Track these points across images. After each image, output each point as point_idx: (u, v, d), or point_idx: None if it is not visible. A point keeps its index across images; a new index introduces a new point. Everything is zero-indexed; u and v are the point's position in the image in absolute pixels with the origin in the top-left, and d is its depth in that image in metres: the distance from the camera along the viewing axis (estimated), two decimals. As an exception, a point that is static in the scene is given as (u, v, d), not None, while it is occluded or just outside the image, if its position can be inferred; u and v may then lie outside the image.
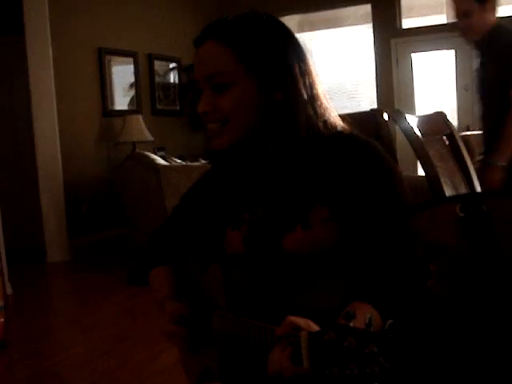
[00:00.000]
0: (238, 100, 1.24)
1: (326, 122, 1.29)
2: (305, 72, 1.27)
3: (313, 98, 1.28)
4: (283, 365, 0.96)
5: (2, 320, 3.71)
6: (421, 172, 2.19)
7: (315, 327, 0.97)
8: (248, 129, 1.26)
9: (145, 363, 3.31)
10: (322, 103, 1.29)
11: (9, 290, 4.64)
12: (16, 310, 4.43)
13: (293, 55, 1.27)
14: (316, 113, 1.28)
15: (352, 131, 1.30)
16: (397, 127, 2.19)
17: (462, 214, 0.80)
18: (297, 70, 1.26)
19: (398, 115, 2.13)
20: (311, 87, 1.28)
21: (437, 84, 8.15)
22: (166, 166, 5.37)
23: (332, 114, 1.31)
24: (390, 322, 0.80)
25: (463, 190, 2.26)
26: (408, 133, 2.09)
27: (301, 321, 0.99)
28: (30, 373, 3.31)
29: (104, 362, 3.36)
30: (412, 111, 7.57)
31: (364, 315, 0.88)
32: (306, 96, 1.26)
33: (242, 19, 1.28)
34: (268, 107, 1.25)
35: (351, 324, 0.85)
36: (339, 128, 1.30)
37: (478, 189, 2.40)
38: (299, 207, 1.25)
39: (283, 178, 1.29)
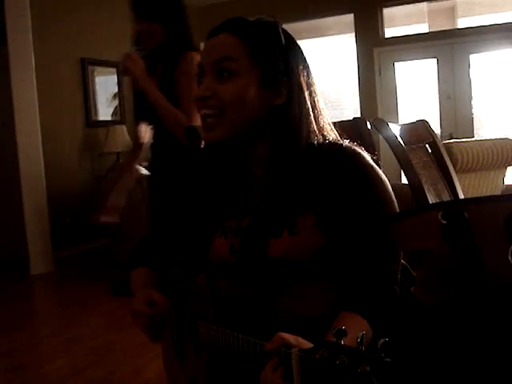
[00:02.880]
0: (240, 91, 1.23)
1: (323, 133, 1.30)
2: (309, 83, 1.29)
3: (315, 109, 1.29)
4: (274, 382, 0.96)
5: (-14, 333, 3.67)
6: (404, 180, 2.20)
7: (305, 344, 0.97)
8: (243, 126, 1.26)
9: (131, 375, 3.29)
10: (321, 115, 1.31)
11: (-8, 303, 4.60)
12: (-1, 323, 4.39)
13: (300, 64, 1.29)
14: (316, 123, 1.29)
15: (342, 140, 1.31)
16: (380, 136, 2.20)
17: (444, 221, 0.80)
18: (303, 79, 1.28)
19: (380, 124, 2.14)
20: (314, 98, 1.29)
21: (419, 92, 8.20)
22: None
23: (325, 125, 1.32)
24: (382, 341, 0.80)
25: (446, 197, 2.28)
26: (391, 141, 2.11)
27: (291, 337, 0.99)
28: (14, 386, 3.28)
29: (89, 375, 3.33)
30: (395, 120, 7.61)
31: (355, 332, 0.87)
32: (309, 106, 1.28)
33: (257, 20, 1.30)
34: (268, 110, 1.26)
35: (342, 342, 0.84)
36: (332, 138, 1.31)
37: (461, 196, 2.41)
38: (286, 213, 1.25)
39: (272, 185, 1.29)
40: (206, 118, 1.26)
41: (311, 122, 1.28)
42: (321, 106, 1.32)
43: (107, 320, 4.40)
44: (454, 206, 0.85)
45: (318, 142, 1.28)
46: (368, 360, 0.78)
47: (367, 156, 1.28)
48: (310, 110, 1.28)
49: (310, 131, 1.28)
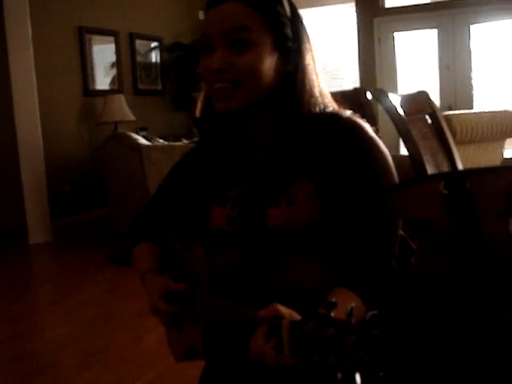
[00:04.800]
0: (257, 62, 1.21)
1: (324, 102, 1.29)
2: (313, 51, 1.30)
3: (318, 77, 1.29)
4: (266, 354, 0.96)
5: (-15, 301, 3.70)
6: (403, 151, 2.20)
7: (297, 316, 0.98)
8: (258, 96, 1.24)
9: (129, 343, 3.31)
10: (319, 82, 1.30)
11: (-9, 272, 4.63)
12: (-2, 292, 4.42)
13: (304, 32, 1.29)
14: (319, 92, 1.29)
15: (340, 110, 1.31)
16: (379, 106, 2.19)
17: (445, 191, 0.80)
18: (308, 47, 1.28)
19: (380, 94, 2.13)
20: (315, 65, 1.29)
21: (419, 63, 8.16)
22: (148, 145, 5.34)
23: (325, 94, 1.31)
24: (370, 313, 0.81)
25: (445, 168, 2.27)
26: (391, 112, 2.10)
27: (285, 310, 1.00)
28: (14, 354, 3.30)
29: (88, 343, 3.36)
30: (394, 91, 7.57)
31: (345, 305, 0.88)
32: (314, 74, 1.28)
33: None
34: (279, 78, 1.25)
35: (332, 314, 0.84)
36: (331, 107, 1.30)
37: (460, 167, 2.41)
38: (283, 180, 1.25)
39: (271, 152, 1.28)
40: (220, 90, 1.23)
41: (315, 90, 1.28)
42: (321, 73, 1.31)
43: (106, 289, 4.43)
44: (456, 176, 0.85)
45: (319, 111, 1.28)
46: (356, 332, 0.78)
47: (368, 127, 1.27)
48: (315, 77, 1.28)
49: (313, 99, 1.27)
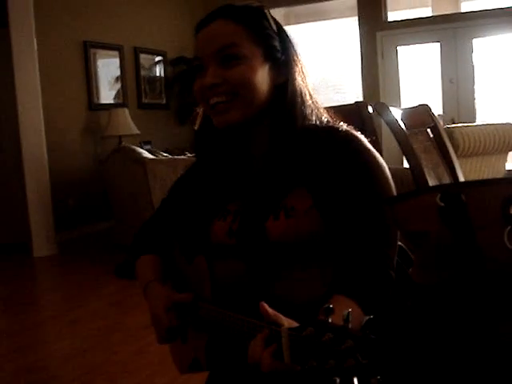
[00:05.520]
0: (249, 73, 1.24)
1: (318, 115, 1.32)
2: (302, 63, 1.32)
3: (306, 88, 1.31)
4: (263, 359, 0.97)
5: (-11, 314, 3.71)
6: (406, 164, 2.21)
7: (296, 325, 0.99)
8: (255, 107, 1.26)
9: (133, 356, 3.32)
10: (311, 94, 1.32)
11: (-5, 285, 4.64)
12: (3, 305, 4.43)
13: (291, 45, 1.32)
14: (308, 103, 1.31)
15: (335, 122, 1.32)
16: (382, 120, 2.21)
17: (441, 204, 0.82)
18: (296, 58, 1.31)
19: (382, 108, 2.15)
20: (305, 77, 1.32)
21: (422, 77, 8.19)
22: (152, 159, 5.38)
23: (318, 106, 1.34)
24: (367, 318, 0.82)
25: (447, 181, 2.28)
26: (392, 125, 2.11)
27: (285, 319, 1.00)
28: (17, 366, 3.31)
29: (92, 356, 3.37)
30: (397, 104, 7.60)
31: (343, 311, 0.89)
32: (306, 84, 1.31)
33: (246, 5, 1.30)
34: (272, 90, 1.28)
35: (330, 319, 0.86)
36: (324, 119, 1.33)
37: (462, 180, 2.42)
38: (281, 193, 1.26)
39: (268, 166, 1.30)
40: (218, 105, 1.26)
41: (307, 101, 1.30)
42: (310, 84, 1.34)
43: (110, 302, 4.43)
44: (452, 188, 0.86)
45: (315, 123, 1.30)
46: (352, 336, 0.80)
47: (364, 139, 1.29)
48: (306, 88, 1.30)
49: (306, 109, 1.30)
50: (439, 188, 0.99)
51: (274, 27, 1.30)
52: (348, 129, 1.29)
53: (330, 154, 1.25)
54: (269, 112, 1.28)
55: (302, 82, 1.30)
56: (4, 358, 3.46)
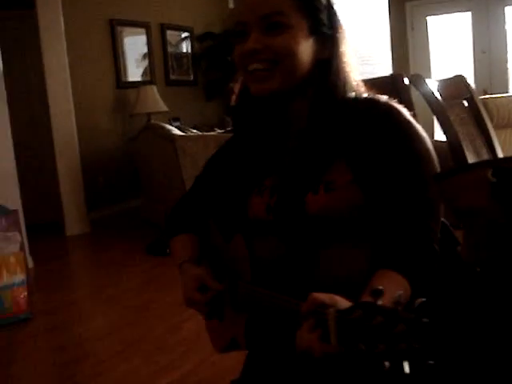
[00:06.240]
0: (292, 43, 1.20)
1: (358, 88, 1.29)
2: (347, 38, 1.29)
3: (351, 64, 1.28)
4: (312, 345, 0.95)
5: (26, 293, 3.75)
6: (438, 137, 2.16)
7: (341, 301, 0.96)
8: (294, 78, 1.23)
9: (167, 333, 3.34)
10: (355, 70, 1.29)
11: (30, 264, 4.70)
12: (38, 284, 4.48)
13: (338, 20, 1.28)
14: (352, 79, 1.28)
15: (377, 95, 1.29)
16: (415, 92, 2.16)
17: (493, 179, 0.78)
18: (342, 33, 1.28)
19: (418, 80, 2.10)
20: (350, 53, 1.29)
21: (453, 47, 8.02)
22: (182, 136, 5.35)
23: (358, 80, 1.30)
24: (419, 300, 0.79)
25: (485, 154, 2.23)
26: (429, 97, 2.07)
27: (325, 297, 0.97)
28: (54, 344, 3.36)
29: (127, 333, 3.40)
30: (428, 76, 7.47)
31: (392, 292, 0.86)
32: (348, 61, 1.28)
33: None
34: (314, 63, 1.25)
35: (379, 302, 0.83)
36: (363, 92, 1.29)
37: (500, 153, 2.37)
38: (321, 167, 1.24)
39: (307, 140, 1.27)
40: (257, 72, 1.23)
41: (350, 78, 1.27)
42: (356, 64, 1.30)
43: (142, 280, 4.47)
44: (504, 163, 0.83)
45: (355, 97, 1.27)
46: (405, 321, 0.77)
47: (405, 111, 1.26)
48: (350, 65, 1.27)
49: (347, 85, 1.27)
50: (491, 163, 0.95)
51: (324, 0, 1.26)
52: (388, 101, 1.26)
53: (370, 126, 1.22)
54: (309, 85, 1.25)
55: (346, 58, 1.27)
56: (40, 337, 3.51)
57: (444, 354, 0.73)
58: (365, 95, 1.29)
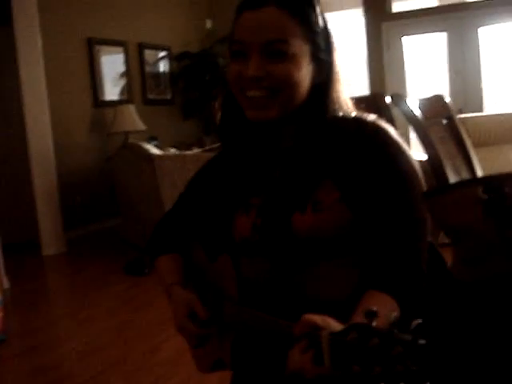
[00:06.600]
0: (294, 71, 1.18)
1: (346, 107, 1.28)
2: (338, 63, 1.28)
3: (342, 84, 1.27)
4: (305, 366, 0.94)
5: (1, 314, 3.69)
6: (416, 156, 2.18)
7: (333, 323, 0.96)
8: (293, 106, 1.22)
9: (147, 354, 3.30)
10: (345, 89, 1.29)
11: (6, 284, 4.63)
12: (14, 304, 4.41)
13: (333, 41, 1.27)
14: (343, 99, 1.28)
15: (364, 114, 1.29)
16: (395, 111, 2.18)
17: (485, 197, 0.79)
18: (336, 55, 1.27)
19: (398, 99, 2.12)
20: (341, 72, 1.28)
21: (428, 67, 8.13)
22: (160, 155, 5.33)
23: (348, 99, 1.30)
24: (416, 322, 0.78)
25: (465, 172, 2.26)
26: (410, 116, 2.09)
27: (318, 318, 0.96)
28: (31, 366, 3.30)
29: (106, 354, 3.35)
30: (404, 95, 7.55)
31: (384, 313, 0.85)
32: (340, 86, 1.27)
33: None
34: (312, 87, 1.24)
35: (374, 323, 0.82)
36: (352, 111, 1.29)
37: (479, 171, 2.40)
38: (308, 187, 1.23)
39: (295, 159, 1.26)
40: (256, 99, 1.20)
41: (341, 98, 1.27)
42: (345, 82, 1.30)
43: (121, 300, 4.42)
44: (494, 180, 0.83)
45: (343, 116, 1.26)
46: (401, 342, 0.76)
47: (393, 131, 1.26)
48: (342, 85, 1.27)
49: (337, 105, 1.26)
50: (481, 180, 0.96)
51: (321, 22, 1.24)
52: (375, 120, 1.26)
53: (357, 146, 1.22)
54: (302, 109, 1.25)
55: (339, 80, 1.26)
56: (17, 359, 3.45)
57: (442, 376, 0.73)
58: (353, 114, 1.28)
